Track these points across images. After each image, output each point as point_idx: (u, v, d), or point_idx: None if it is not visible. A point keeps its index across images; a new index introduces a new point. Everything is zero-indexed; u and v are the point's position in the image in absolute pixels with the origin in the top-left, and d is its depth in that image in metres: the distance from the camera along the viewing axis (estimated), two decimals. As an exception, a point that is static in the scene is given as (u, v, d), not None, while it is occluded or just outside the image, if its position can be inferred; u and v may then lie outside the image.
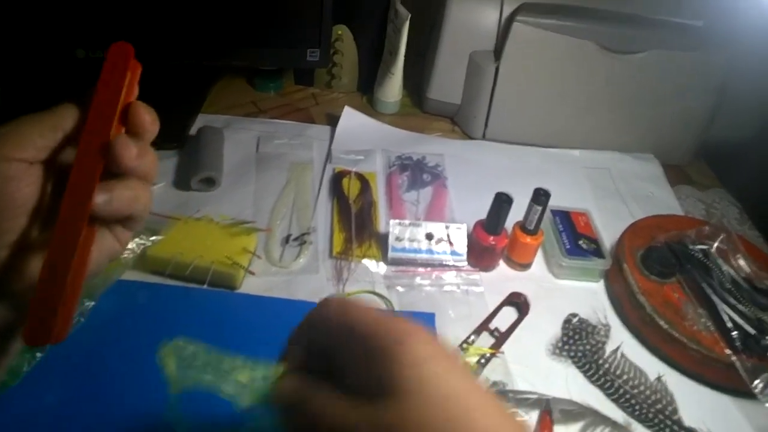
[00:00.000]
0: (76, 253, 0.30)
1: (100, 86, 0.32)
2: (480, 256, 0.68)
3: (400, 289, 0.65)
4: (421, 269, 0.67)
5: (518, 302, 0.65)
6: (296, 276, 0.65)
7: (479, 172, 0.84)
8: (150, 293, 0.61)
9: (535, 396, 0.55)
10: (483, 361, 0.58)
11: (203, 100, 0.91)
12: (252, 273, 0.63)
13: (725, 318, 0.60)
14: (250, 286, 0.63)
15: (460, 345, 0.59)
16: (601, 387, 0.58)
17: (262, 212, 0.72)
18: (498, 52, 0.85)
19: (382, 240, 0.69)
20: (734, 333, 0.58)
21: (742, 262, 0.65)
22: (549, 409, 0.54)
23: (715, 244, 0.66)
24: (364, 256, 0.68)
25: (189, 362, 0.38)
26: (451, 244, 0.68)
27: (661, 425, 0.55)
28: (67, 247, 0.30)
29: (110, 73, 0.32)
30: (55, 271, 0.30)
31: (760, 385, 0.56)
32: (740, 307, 0.60)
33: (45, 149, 0.32)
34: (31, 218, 0.32)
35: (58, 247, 0.30)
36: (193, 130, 0.82)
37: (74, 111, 0.33)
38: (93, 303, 0.57)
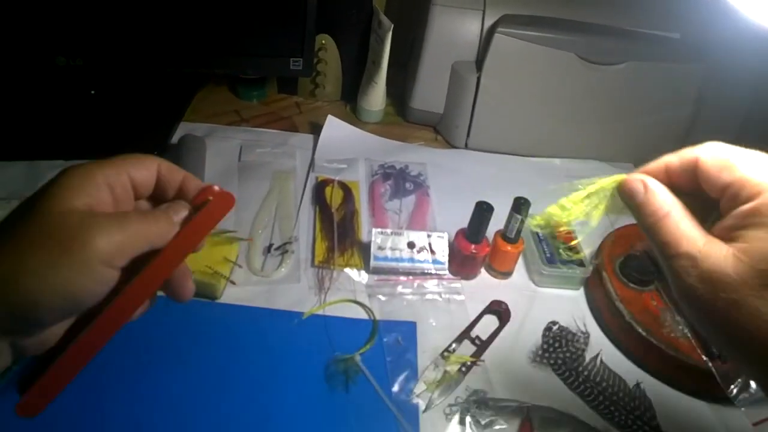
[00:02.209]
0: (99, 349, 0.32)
1: (194, 224, 0.35)
2: (461, 264, 0.68)
3: (381, 297, 0.65)
4: (402, 278, 0.67)
5: (499, 310, 0.65)
6: (277, 285, 0.65)
7: (461, 181, 0.84)
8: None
9: (515, 404, 0.55)
10: (464, 369, 0.59)
11: (185, 108, 0.90)
12: (233, 282, 0.63)
13: (702, 325, 0.60)
14: (231, 295, 0.63)
15: (442, 353, 0.60)
16: (581, 394, 0.58)
17: (244, 221, 0.72)
18: (480, 62, 0.86)
19: (365, 249, 0.69)
20: (711, 340, 0.59)
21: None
22: (529, 417, 0.54)
23: (692, 252, 0.67)
24: (346, 265, 0.68)
25: None
26: (432, 252, 0.68)
27: (640, 431, 0.55)
28: (96, 344, 0.32)
29: (209, 217, 0.35)
30: (76, 362, 0.32)
31: (735, 391, 0.57)
32: (716, 314, 0.61)
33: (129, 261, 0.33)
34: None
35: (88, 343, 0.32)
36: (174, 139, 0.82)
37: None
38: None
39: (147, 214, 0.34)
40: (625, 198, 0.35)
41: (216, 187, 0.36)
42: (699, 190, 0.33)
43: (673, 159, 0.35)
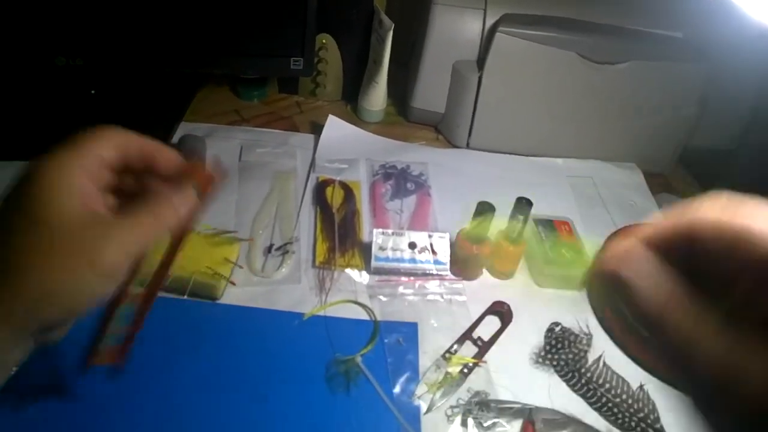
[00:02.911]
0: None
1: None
2: (463, 264, 0.68)
3: (382, 298, 0.65)
4: (404, 278, 0.67)
5: (501, 311, 0.65)
6: (278, 286, 0.64)
7: (463, 181, 0.84)
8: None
9: (517, 405, 0.55)
10: (466, 370, 0.58)
11: (186, 108, 0.90)
12: (233, 283, 0.63)
13: (705, 326, 0.60)
14: (231, 296, 0.62)
15: (443, 354, 0.59)
16: (583, 396, 0.58)
17: (245, 222, 0.71)
18: (481, 61, 0.85)
19: (366, 249, 0.69)
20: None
21: (722, 270, 0.66)
22: (532, 419, 0.54)
23: (696, 253, 0.67)
24: (347, 266, 0.67)
25: None
26: (434, 253, 0.68)
27: (643, 434, 0.55)
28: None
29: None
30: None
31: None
32: (720, 315, 0.61)
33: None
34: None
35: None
36: (175, 139, 0.82)
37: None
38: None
39: (153, 214, 0.34)
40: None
41: (202, 167, 0.39)
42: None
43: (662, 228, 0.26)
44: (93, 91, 0.86)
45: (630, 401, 0.57)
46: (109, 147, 0.36)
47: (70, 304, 0.32)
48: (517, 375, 0.59)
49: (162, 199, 0.36)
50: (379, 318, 0.62)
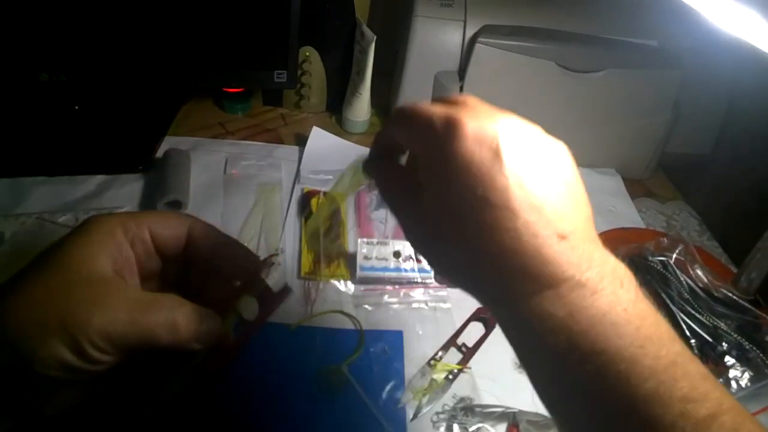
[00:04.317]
0: None
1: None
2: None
3: (368, 307, 0.65)
4: (389, 287, 0.68)
5: (485, 317, 0.66)
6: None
7: (446, 190, 0.85)
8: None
9: (501, 409, 0.55)
10: (451, 377, 0.59)
11: (170, 122, 0.91)
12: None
13: (684, 327, 0.61)
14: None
15: (428, 362, 0.60)
16: (566, 399, 0.59)
17: (230, 234, 0.71)
18: (462, 72, 0.87)
19: (351, 259, 0.69)
20: (692, 341, 0.60)
21: (699, 272, 0.67)
22: (516, 422, 0.55)
23: (674, 256, 0.69)
24: (332, 276, 0.68)
25: None
26: (418, 261, 0.69)
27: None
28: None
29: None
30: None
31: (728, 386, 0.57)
32: (698, 315, 0.62)
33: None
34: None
35: None
36: (159, 153, 0.82)
37: None
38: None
39: (168, 310, 0.30)
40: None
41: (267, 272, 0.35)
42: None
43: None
44: (77, 107, 0.87)
45: (612, 403, 0.58)
46: (165, 226, 0.33)
47: (23, 353, 0.26)
48: (502, 380, 0.60)
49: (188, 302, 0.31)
50: (364, 327, 0.63)
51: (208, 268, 0.36)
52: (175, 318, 0.30)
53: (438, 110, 0.31)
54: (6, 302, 0.27)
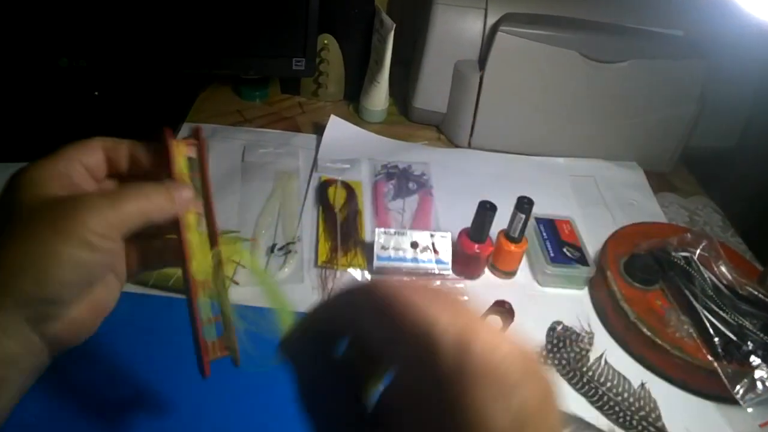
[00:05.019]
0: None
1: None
2: (465, 264, 0.68)
3: (385, 298, 0.65)
4: (406, 278, 0.67)
5: (503, 310, 0.65)
6: (281, 286, 0.65)
7: (464, 181, 0.84)
8: (132, 304, 0.60)
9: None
10: (468, 369, 0.58)
11: (189, 109, 0.91)
12: (236, 282, 0.63)
13: (707, 325, 0.60)
14: (234, 295, 0.62)
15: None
16: (585, 394, 0.58)
17: (247, 222, 0.72)
18: (482, 61, 0.86)
19: (368, 249, 0.69)
20: (716, 339, 0.59)
21: (723, 269, 0.66)
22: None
23: (697, 251, 0.67)
24: (349, 266, 0.68)
25: None
26: (436, 252, 0.68)
27: (645, 432, 0.55)
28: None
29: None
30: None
31: (741, 391, 0.56)
32: (722, 313, 0.61)
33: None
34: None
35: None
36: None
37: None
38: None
39: (142, 191, 0.34)
40: None
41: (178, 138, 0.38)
42: None
43: None
44: (96, 93, 0.87)
45: (631, 399, 0.57)
46: (88, 153, 0.36)
47: (45, 274, 0.31)
48: (519, 374, 0.59)
49: (149, 181, 0.36)
50: (381, 317, 0.63)
51: (136, 173, 0.38)
52: (144, 190, 0.34)
53: (446, 323, 0.22)
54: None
